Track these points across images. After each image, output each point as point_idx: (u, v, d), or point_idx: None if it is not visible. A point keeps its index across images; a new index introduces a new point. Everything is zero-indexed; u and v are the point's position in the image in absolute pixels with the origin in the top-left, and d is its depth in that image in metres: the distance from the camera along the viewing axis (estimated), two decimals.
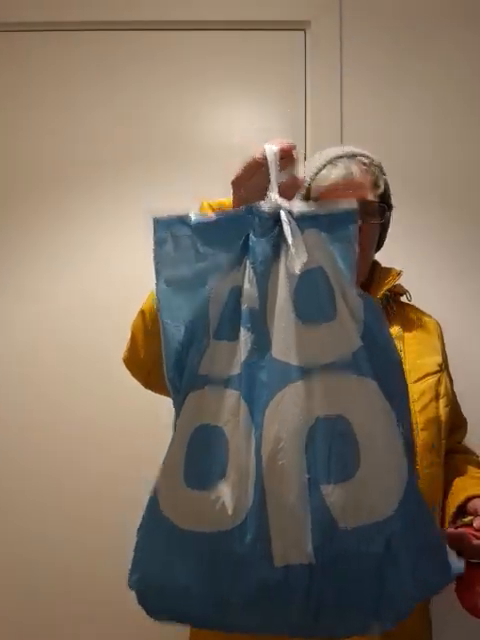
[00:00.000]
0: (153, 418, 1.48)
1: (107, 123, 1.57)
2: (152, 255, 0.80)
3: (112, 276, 1.53)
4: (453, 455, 1.14)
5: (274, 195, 0.75)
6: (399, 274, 1.14)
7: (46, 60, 1.58)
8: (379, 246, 1.17)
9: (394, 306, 1.14)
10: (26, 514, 1.48)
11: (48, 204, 1.55)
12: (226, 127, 1.58)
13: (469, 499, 1.02)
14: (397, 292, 1.16)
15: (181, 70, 1.58)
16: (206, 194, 1.53)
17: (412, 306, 1.19)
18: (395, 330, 1.10)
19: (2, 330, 1.54)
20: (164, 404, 1.50)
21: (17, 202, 1.56)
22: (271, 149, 0.76)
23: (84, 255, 1.54)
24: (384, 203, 1.10)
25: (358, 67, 1.56)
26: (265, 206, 0.75)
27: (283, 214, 0.74)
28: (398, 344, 1.06)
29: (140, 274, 1.51)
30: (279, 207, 0.75)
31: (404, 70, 1.58)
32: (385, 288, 1.12)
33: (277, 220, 0.75)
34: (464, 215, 1.54)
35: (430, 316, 1.21)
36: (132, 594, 0.79)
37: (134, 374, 1.06)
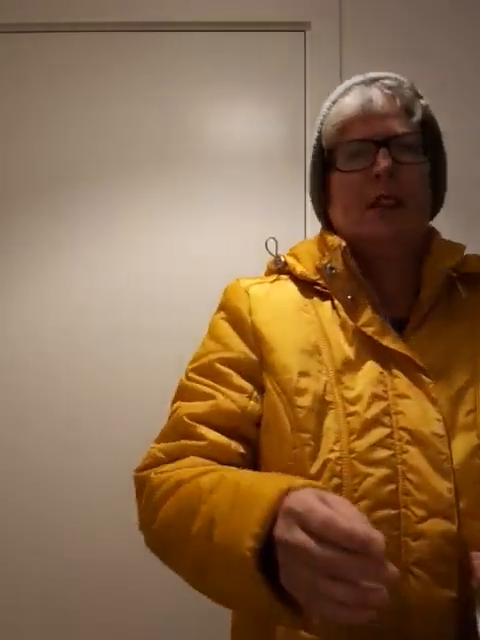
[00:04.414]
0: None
1: (106, 125, 1.57)
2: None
3: (102, 276, 1.53)
4: None
5: None
6: (464, 249, 0.86)
7: (45, 61, 1.58)
8: (436, 205, 0.90)
9: (462, 288, 0.84)
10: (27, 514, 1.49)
11: (42, 204, 1.55)
12: (226, 128, 1.58)
13: None
14: (467, 271, 0.85)
15: (181, 71, 1.58)
16: (208, 195, 1.53)
17: None
18: (464, 327, 0.82)
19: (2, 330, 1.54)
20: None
21: (10, 202, 1.56)
22: None
23: (73, 254, 1.54)
24: (426, 133, 0.84)
25: (358, 68, 1.55)
26: None
27: None
28: (472, 346, 0.80)
29: (139, 273, 1.53)
30: None
31: (403, 70, 1.56)
32: (447, 266, 0.83)
33: None
34: (462, 216, 1.54)
35: None
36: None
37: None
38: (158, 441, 0.82)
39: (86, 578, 1.46)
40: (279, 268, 0.90)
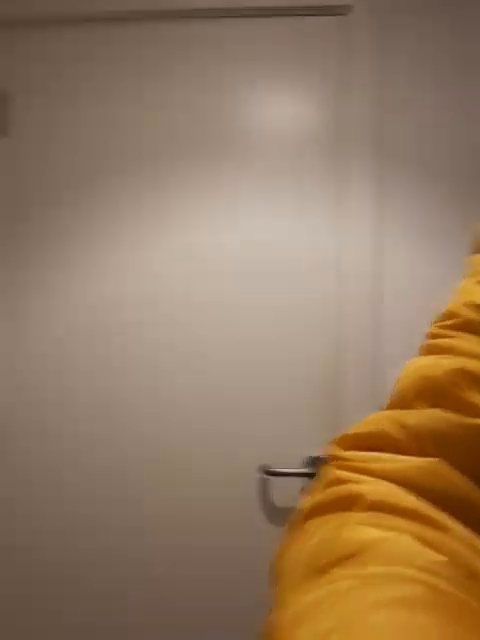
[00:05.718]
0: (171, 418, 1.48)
1: (142, 113, 1.55)
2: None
3: (132, 275, 1.52)
4: None
5: None
6: None
7: (79, 52, 1.57)
8: None
9: None
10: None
11: (83, 197, 1.55)
12: (260, 115, 1.54)
13: None
14: None
15: (216, 61, 1.54)
16: (240, 181, 1.50)
17: None
18: None
19: (30, 326, 1.55)
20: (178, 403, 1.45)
21: (45, 199, 1.56)
22: None
23: (104, 252, 1.54)
24: None
25: (398, 53, 1.50)
26: None
27: None
28: None
29: (170, 272, 1.51)
30: None
31: (448, 58, 1.50)
32: None
33: None
34: None
35: None
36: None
37: None
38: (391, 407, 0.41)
39: (85, 572, 1.48)
40: None
